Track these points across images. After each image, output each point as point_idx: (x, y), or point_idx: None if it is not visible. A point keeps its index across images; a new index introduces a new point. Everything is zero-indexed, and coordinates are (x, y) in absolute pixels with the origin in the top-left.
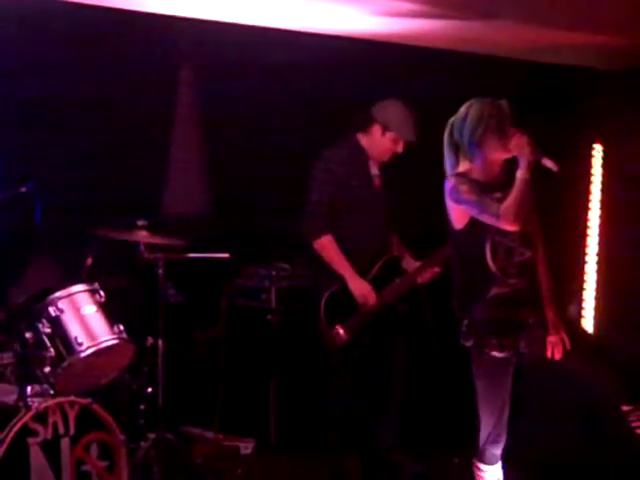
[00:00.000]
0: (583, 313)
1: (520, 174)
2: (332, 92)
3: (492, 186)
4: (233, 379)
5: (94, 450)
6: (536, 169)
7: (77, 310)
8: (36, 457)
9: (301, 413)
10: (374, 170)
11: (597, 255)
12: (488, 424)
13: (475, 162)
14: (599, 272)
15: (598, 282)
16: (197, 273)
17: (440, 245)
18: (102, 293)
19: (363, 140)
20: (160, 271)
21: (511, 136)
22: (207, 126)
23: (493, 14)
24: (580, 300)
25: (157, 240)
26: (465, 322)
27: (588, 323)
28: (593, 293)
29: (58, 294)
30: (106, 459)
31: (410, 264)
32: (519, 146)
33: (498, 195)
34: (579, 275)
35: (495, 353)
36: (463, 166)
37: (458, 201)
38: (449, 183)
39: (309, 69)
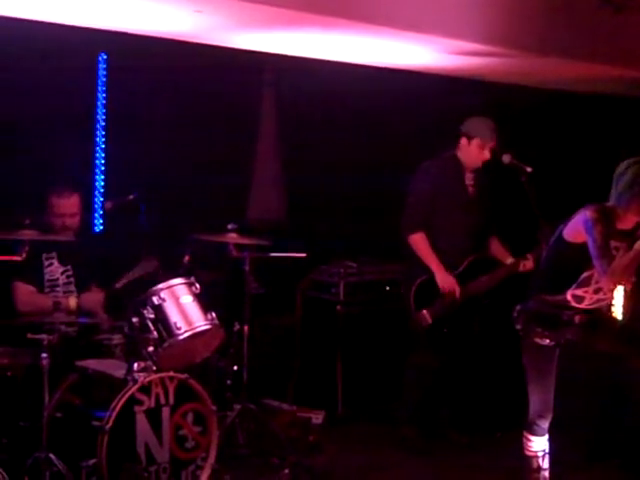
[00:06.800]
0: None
1: None
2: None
3: (618, 232)
4: (306, 360)
5: (190, 417)
6: None
7: (176, 299)
8: (141, 422)
9: (364, 389)
10: (468, 180)
11: None
12: (535, 402)
13: (618, 208)
14: None
15: None
16: (277, 269)
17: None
18: (197, 285)
19: (458, 153)
20: (246, 267)
21: None
22: (286, 145)
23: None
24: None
25: (244, 241)
26: (517, 308)
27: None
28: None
29: (160, 286)
30: (199, 425)
31: (506, 259)
32: None
33: (616, 244)
34: None
35: (537, 340)
36: (611, 202)
37: (587, 231)
38: (593, 212)
39: (375, 95)
